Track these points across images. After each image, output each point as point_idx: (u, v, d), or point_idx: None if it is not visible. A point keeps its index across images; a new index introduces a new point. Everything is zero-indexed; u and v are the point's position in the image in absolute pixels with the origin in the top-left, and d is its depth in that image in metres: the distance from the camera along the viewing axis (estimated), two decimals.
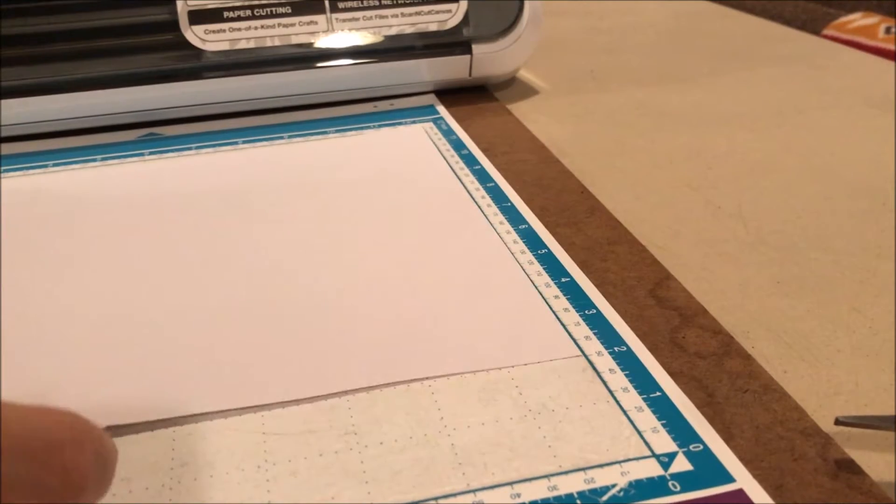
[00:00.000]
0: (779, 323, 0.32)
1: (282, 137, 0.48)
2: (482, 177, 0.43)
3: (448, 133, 0.48)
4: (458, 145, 0.46)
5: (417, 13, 0.51)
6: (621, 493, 0.23)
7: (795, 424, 0.26)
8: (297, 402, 0.27)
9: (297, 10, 0.49)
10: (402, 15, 0.51)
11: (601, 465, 0.24)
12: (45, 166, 0.44)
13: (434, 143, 0.47)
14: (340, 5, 0.50)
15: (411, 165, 0.44)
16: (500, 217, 0.39)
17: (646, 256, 0.35)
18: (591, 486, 0.24)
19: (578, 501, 0.23)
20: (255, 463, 0.25)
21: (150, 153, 0.46)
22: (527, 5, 0.53)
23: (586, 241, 0.36)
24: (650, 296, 0.32)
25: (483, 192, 0.41)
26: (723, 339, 0.30)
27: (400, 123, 0.50)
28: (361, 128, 0.49)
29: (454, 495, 0.24)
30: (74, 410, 0.22)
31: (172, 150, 0.46)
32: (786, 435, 0.25)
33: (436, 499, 0.23)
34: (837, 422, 0.25)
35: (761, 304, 0.33)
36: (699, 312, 0.31)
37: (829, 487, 0.24)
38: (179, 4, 0.47)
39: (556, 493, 0.24)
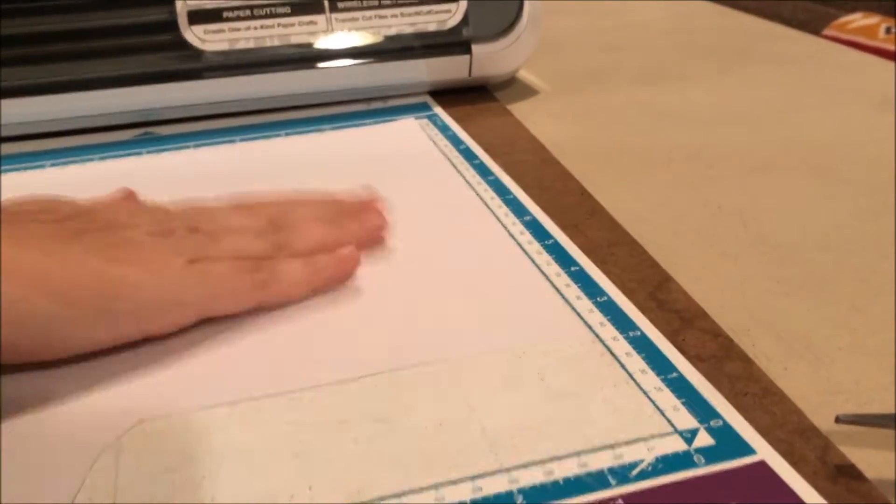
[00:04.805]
0: (779, 322, 0.32)
1: (279, 135, 0.48)
2: (482, 171, 0.43)
3: (445, 129, 0.48)
4: (455, 141, 0.47)
5: (417, 13, 0.51)
6: (649, 468, 0.24)
7: (795, 427, 0.26)
8: (327, 393, 0.27)
9: (297, 10, 0.49)
10: (402, 15, 0.51)
11: (627, 442, 0.25)
12: (42, 166, 0.44)
13: (431, 138, 0.47)
14: (340, 5, 0.50)
15: (411, 160, 0.44)
16: (505, 209, 0.39)
17: (646, 258, 0.35)
18: (620, 461, 0.24)
19: (609, 476, 0.24)
20: (292, 451, 0.25)
21: (148, 152, 0.46)
22: (526, 5, 0.53)
23: (586, 243, 0.36)
24: (650, 298, 0.32)
25: (485, 185, 0.41)
26: (723, 341, 0.30)
27: (395, 120, 0.50)
28: (357, 125, 0.49)
29: (490, 475, 0.24)
30: None
31: (170, 149, 0.46)
32: (785, 438, 0.25)
33: (472, 478, 0.24)
34: (838, 420, 0.25)
35: (761, 303, 0.33)
36: (699, 315, 0.31)
37: (828, 491, 0.23)
38: (179, 4, 0.47)
39: (586, 470, 0.24)
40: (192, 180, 0.42)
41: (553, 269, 0.34)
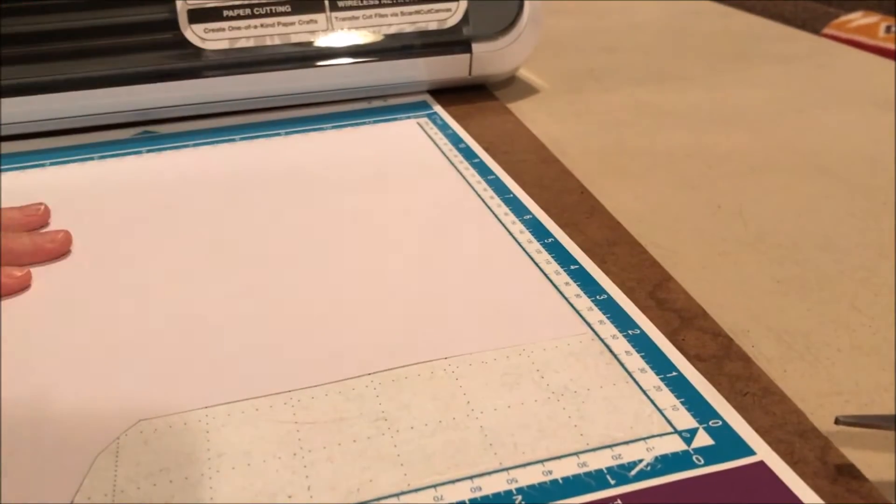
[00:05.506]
0: (779, 322, 0.32)
1: (279, 134, 0.48)
2: (482, 170, 0.43)
3: (444, 127, 0.48)
4: (455, 139, 0.47)
5: (417, 12, 0.51)
6: (648, 468, 0.24)
7: (795, 427, 0.26)
8: (325, 392, 0.27)
9: (297, 8, 0.49)
10: (402, 14, 0.51)
11: (627, 442, 0.25)
12: (43, 165, 0.44)
13: (431, 137, 0.47)
14: (340, 4, 0.50)
15: (410, 158, 0.45)
16: (504, 208, 0.39)
17: (645, 258, 0.35)
18: (619, 461, 0.24)
19: (608, 476, 0.24)
20: (291, 451, 0.25)
21: (148, 151, 0.46)
22: (527, 4, 0.53)
23: (586, 242, 0.36)
24: (650, 298, 0.32)
25: (485, 184, 0.41)
26: (723, 341, 0.30)
27: (395, 119, 0.50)
28: (357, 123, 0.49)
29: (489, 474, 0.24)
30: None
31: (170, 148, 0.46)
32: (785, 438, 0.25)
33: (471, 478, 0.24)
34: (837, 421, 0.25)
35: (761, 303, 0.33)
36: (699, 314, 0.31)
37: (828, 491, 0.24)
38: (179, 3, 0.47)
39: (586, 469, 0.24)
40: (192, 179, 0.42)
41: (552, 267, 0.34)
